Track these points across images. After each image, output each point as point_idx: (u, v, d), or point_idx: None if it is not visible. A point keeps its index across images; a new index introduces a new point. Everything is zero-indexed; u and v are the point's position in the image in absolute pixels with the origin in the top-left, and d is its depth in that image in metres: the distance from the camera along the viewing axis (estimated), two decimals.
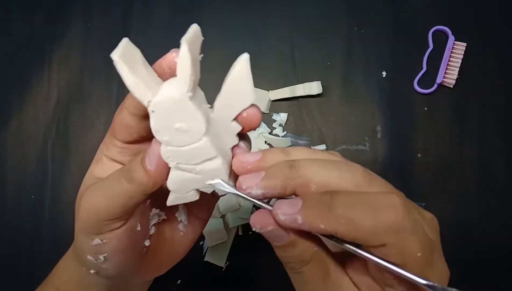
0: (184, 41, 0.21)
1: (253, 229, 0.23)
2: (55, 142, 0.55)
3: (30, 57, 0.57)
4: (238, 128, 0.26)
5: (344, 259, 0.25)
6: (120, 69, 0.22)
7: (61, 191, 0.54)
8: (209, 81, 0.33)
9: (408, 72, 0.53)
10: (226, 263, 0.51)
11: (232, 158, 0.26)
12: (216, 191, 0.26)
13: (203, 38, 0.23)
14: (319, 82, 0.52)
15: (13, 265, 0.53)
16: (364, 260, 0.24)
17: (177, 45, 0.21)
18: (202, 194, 0.30)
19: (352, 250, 0.22)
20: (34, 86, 0.56)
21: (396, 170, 0.52)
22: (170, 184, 0.26)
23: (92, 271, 0.28)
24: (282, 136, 0.53)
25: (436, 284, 0.20)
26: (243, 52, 0.24)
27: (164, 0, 0.57)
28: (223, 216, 0.52)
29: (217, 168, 0.25)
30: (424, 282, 0.20)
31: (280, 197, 0.24)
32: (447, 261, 0.23)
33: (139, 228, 0.28)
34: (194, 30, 0.22)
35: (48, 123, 0.56)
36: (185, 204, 0.32)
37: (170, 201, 0.27)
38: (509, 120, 0.51)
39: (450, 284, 0.21)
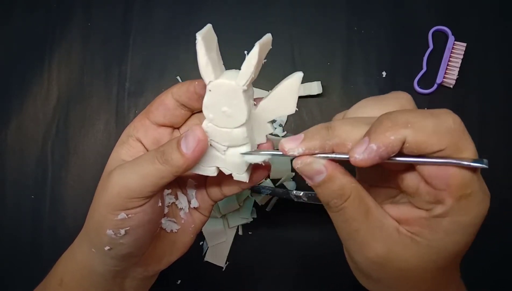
0: (258, 44, 0.25)
1: (296, 167, 0.26)
2: (55, 142, 0.55)
3: (30, 57, 0.57)
4: (271, 130, 0.30)
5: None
6: (199, 48, 0.25)
7: (61, 191, 0.54)
8: None
9: (408, 72, 0.53)
10: (226, 263, 0.51)
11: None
12: (233, 173, 0.29)
13: (271, 47, 0.27)
14: (319, 82, 0.52)
15: (13, 265, 0.53)
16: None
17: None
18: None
19: (415, 161, 0.23)
20: (34, 86, 0.56)
21: None
22: None
23: (107, 248, 0.30)
24: (282, 137, 0.53)
25: (484, 162, 0.22)
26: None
27: (164, 0, 0.57)
28: (223, 216, 0.52)
29: (243, 156, 0.28)
30: (484, 165, 0.22)
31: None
32: None
33: (159, 204, 0.31)
34: (267, 38, 0.26)
35: (48, 123, 0.56)
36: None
37: (192, 168, 0.30)
38: (509, 120, 0.51)
39: None
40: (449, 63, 0.52)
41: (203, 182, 0.35)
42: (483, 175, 0.24)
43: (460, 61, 0.52)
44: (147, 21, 0.57)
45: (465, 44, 0.52)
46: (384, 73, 0.53)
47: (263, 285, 0.51)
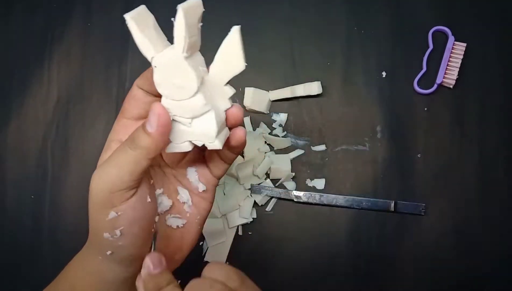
0: (180, 7, 0.24)
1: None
2: (55, 143, 0.55)
3: (30, 57, 0.57)
4: (231, 92, 0.30)
5: None
6: (131, 27, 0.26)
7: (61, 191, 0.54)
8: None
9: (408, 72, 0.53)
10: (226, 263, 0.51)
11: (226, 120, 0.30)
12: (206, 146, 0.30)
13: (203, 9, 0.27)
14: (319, 82, 0.52)
15: (13, 265, 0.53)
16: None
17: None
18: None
19: None
20: (34, 86, 0.56)
21: (396, 170, 0.52)
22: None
23: (108, 252, 0.30)
24: (282, 137, 0.53)
25: None
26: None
27: (164, 1, 0.57)
28: (223, 216, 0.52)
29: (209, 123, 0.28)
30: None
31: None
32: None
33: (149, 200, 0.31)
34: (193, 0, 0.26)
35: (48, 123, 0.56)
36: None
37: (168, 148, 0.30)
38: (509, 120, 0.51)
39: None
40: (449, 63, 0.52)
41: (203, 164, 0.35)
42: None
43: (460, 61, 0.52)
44: None
45: (465, 44, 0.52)
46: (384, 73, 0.53)
47: (263, 285, 0.51)
